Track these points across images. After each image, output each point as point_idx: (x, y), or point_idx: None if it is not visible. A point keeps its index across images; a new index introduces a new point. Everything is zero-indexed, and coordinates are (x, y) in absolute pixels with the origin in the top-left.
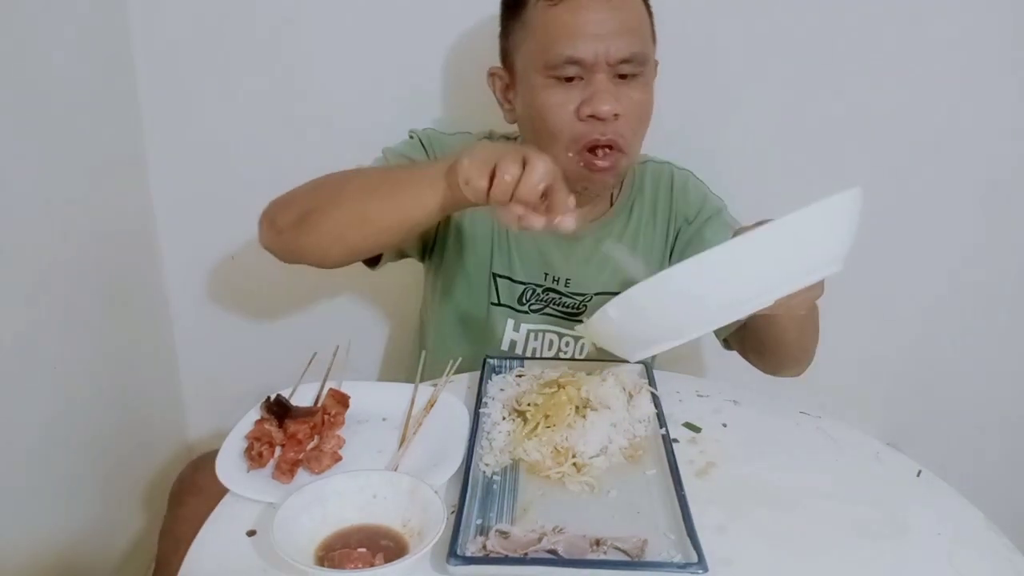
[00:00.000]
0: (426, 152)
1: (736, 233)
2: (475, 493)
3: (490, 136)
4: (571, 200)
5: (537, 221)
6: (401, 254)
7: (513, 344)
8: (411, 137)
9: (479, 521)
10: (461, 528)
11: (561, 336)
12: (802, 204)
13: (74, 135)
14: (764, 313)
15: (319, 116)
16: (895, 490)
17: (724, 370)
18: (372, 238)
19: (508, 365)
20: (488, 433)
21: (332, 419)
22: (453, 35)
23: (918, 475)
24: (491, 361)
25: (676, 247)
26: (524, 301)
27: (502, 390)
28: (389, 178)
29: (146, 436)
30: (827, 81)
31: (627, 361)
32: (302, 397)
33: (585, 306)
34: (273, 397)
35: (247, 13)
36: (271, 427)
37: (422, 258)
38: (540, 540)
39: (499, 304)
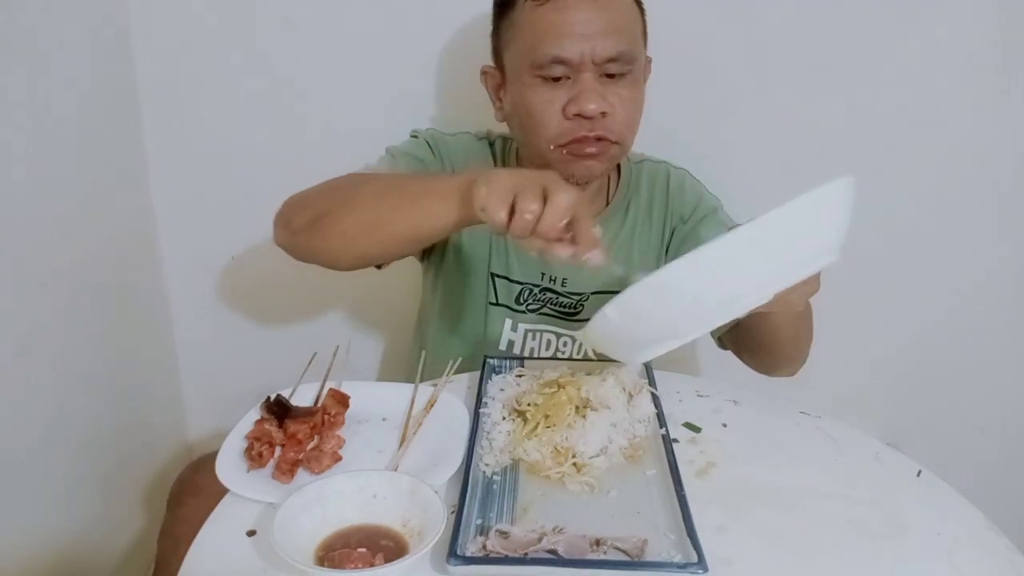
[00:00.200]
0: (432, 152)
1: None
2: (475, 493)
3: (488, 136)
4: (598, 231)
5: (562, 251)
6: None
7: (511, 344)
8: (416, 137)
9: (479, 521)
10: (461, 528)
11: (559, 336)
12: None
13: (74, 135)
14: (761, 311)
15: (319, 116)
16: (895, 490)
17: (720, 371)
18: (383, 247)
19: (508, 365)
20: (488, 433)
21: (332, 419)
22: (454, 35)
23: (918, 475)
24: (491, 361)
25: (672, 246)
26: (522, 301)
27: (502, 390)
28: (403, 188)
29: (146, 436)
30: (826, 80)
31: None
32: (302, 397)
33: (582, 306)
34: (273, 397)
35: (247, 13)
36: (271, 427)
37: (421, 258)
38: (540, 540)
39: (497, 304)
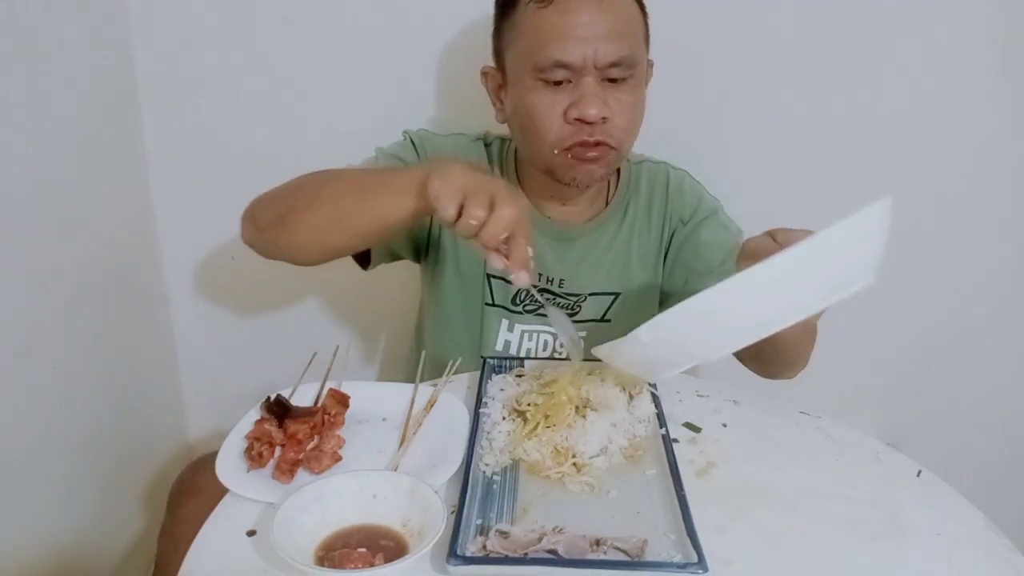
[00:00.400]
0: (417, 153)
1: (743, 246)
2: (475, 493)
3: (484, 137)
4: (529, 252)
5: (496, 262)
6: (395, 256)
7: (507, 344)
8: (404, 137)
9: (479, 521)
10: (461, 528)
11: (556, 337)
12: (799, 202)
13: (74, 135)
14: None
15: (319, 116)
16: (895, 490)
17: (720, 371)
18: (347, 240)
19: (508, 365)
20: (488, 433)
21: (332, 419)
22: (455, 35)
23: (918, 475)
24: (491, 361)
25: (671, 247)
26: (518, 302)
27: (502, 390)
28: (364, 182)
29: (146, 436)
30: (826, 80)
31: None
32: (302, 397)
33: (580, 306)
34: (273, 397)
35: (247, 13)
36: (271, 427)
37: (416, 259)
38: (540, 540)
39: (493, 305)
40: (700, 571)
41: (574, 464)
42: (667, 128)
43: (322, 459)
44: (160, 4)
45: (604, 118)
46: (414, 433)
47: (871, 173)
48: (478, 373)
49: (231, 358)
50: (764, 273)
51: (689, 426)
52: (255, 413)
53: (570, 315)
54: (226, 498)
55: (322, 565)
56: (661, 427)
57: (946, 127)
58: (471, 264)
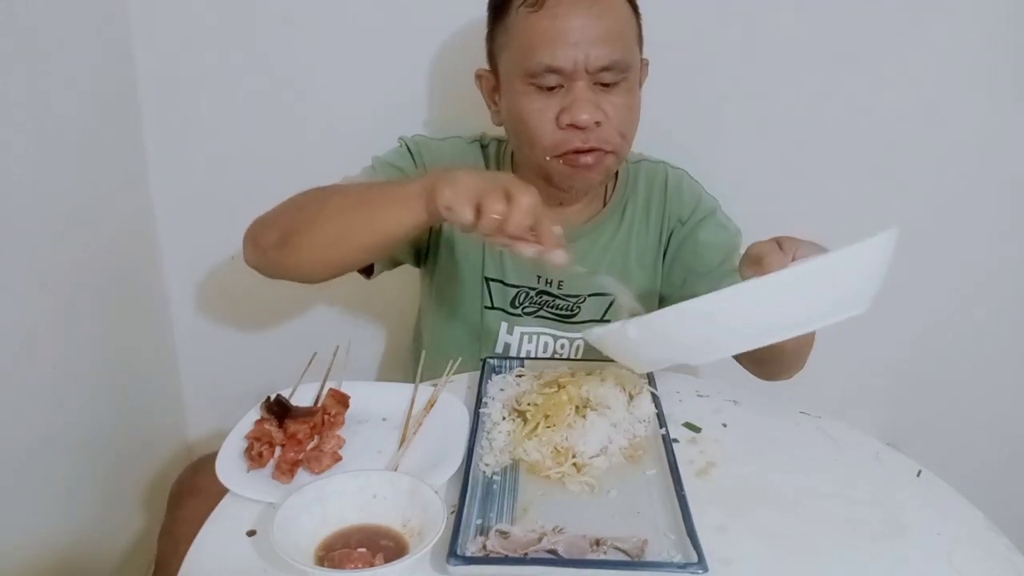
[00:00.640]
0: (414, 160)
1: (747, 249)
2: (475, 493)
3: (481, 139)
4: (558, 230)
5: (528, 249)
6: (395, 262)
7: (507, 347)
8: (400, 144)
9: (479, 521)
10: (461, 528)
11: (556, 338)
12: (798, 202)
13: (74, 135)
14: None
15: (319, 116)
16: (895, 490)
17: (720, 371)
18: (352, 256)
19: (508, 365)
20: (488, 433)
21: (332, 419)
22: (455, 35)
23: (918, 475)
24: (491, 361)
25: (670, 247)
26: (517, 304)
27: (502, 390)
28: (367, 197)
29: (146, 436)
30: (826, 80)
31: None
32: (302, 397)
33: (579, 308)
34: (273, 397)
35: (247, 13)
36: (271, 427)
37: (417, 264)
38: (540, 540)
39: (492, 308)
40: (700, 571)
41: (574, 464)
42: (666, 128)
43: (322, 459)
44: (160, 4)
45: (597, 123)
46: (414, 433)
47: (871, 173)
48: (478, 373)
49: (231, 358)
50: (761, 288)
51: (689, 426)
52: (255, 413)
53: (569, 316)
54: (226, 498)
55: (322, 565)
56: (661, 427)
57: (946, 127)
58: (470, 268)
